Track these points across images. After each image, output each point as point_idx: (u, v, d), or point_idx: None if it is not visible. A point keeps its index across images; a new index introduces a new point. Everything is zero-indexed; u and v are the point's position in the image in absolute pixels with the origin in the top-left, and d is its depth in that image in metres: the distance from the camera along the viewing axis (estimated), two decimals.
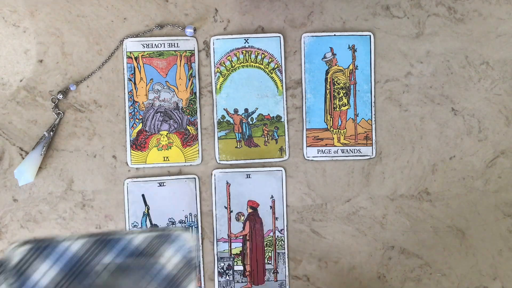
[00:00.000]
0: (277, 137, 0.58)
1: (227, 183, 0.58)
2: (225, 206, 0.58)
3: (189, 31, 0.56)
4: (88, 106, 0.57)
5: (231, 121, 0.58)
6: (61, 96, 0.56)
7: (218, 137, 0.58)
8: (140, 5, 0.57)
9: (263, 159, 0.58)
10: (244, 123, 0.58)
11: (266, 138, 0.58)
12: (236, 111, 0.58)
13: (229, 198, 0.58)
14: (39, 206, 0.57)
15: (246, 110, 0.58)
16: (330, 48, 0.58)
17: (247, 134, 0.58)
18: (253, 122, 0.58)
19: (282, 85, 0.58)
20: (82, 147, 0.57)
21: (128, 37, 0.57)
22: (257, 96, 0.58)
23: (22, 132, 0.57)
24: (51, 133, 0.56)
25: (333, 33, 0.58)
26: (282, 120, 0.58)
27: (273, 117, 0.58)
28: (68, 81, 0.57)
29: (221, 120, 0.58)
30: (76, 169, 0.57)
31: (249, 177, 0.58)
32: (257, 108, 0.58)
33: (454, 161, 0.59)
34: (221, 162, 0.58)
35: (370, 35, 0.58)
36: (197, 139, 0.58)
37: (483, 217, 0.59)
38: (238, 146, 0.58)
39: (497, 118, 0.59)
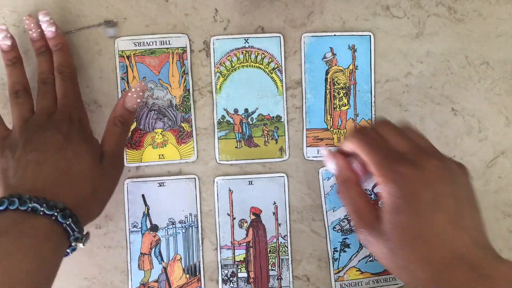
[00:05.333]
0: (277, 137, 0.58)
1: (230, 190, 0.57)
2: (228, 213, 0.57)
3: (108, 30, 0.56)
4: (88, 106, 0.57)
5: (231, 121, 0.58)
6: None
7: (218, 137, 0.58)
8: (140, 5, 0.57)
9: (263, 159, 0.58)
10: (244, 123, 0.58)
11: (266, 138, 0.58)
12: (236, 111, 0.58)
13: (232, 205, 0.57)
14: None
15: (246, 110, 0.58)
16: (330, 48, 0.58)
17: (247, 134, 0.58)
18: (253, 122, 0.58)
19: (282, 85, 0.58)
20: None
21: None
22: (257, 96, 0.58)
23: None
24: None
25: (333, 33, 0.58)
26: (282, 120, 0.58)
27: (273, 117, 0.58)
28: None
29: (221, 120, 0.58)
30: None
31: (252, 184, 0.57)
32: (257, 108, 0.58)
33: None
34: (221, 162, 0.58)
35: (370, 35, 0.58)
36: (192, 136, 0.57)
37: (483, 217, 0.59)
38: (238, 146, 0.58)
39: (497, 118, 0.59)
